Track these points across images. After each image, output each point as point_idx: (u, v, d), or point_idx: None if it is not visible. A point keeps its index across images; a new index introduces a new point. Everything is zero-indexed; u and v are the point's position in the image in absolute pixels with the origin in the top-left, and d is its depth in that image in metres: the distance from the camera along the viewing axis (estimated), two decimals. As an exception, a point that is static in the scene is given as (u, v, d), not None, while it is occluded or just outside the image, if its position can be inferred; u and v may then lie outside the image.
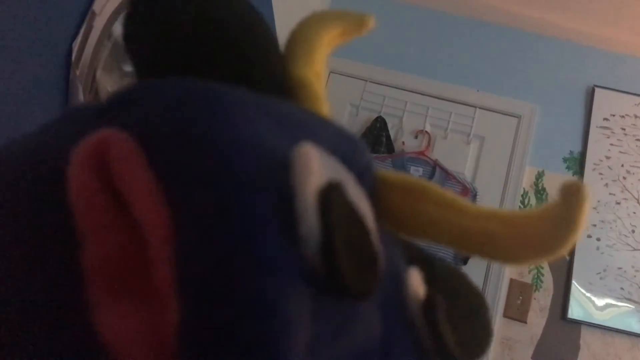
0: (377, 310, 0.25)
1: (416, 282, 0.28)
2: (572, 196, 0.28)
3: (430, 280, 0.31)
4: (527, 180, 2.52)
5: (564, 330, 2.31)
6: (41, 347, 0.19)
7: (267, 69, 0.32)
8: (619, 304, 2.32)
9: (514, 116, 2.61)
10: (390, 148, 2.54)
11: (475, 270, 2.36)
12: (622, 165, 2.50)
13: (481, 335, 0.37)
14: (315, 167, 0.22)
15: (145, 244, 0.20)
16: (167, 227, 0.19)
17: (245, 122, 0.23)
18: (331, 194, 0.21)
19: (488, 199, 2.42)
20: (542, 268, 2.39)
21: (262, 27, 0.33)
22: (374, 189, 0.28)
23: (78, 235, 0.20)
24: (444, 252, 2.32)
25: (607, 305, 2.32)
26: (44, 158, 0.23)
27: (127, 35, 0.31)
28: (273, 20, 1.76)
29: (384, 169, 0.35)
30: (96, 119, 0.24)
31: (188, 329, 0.18)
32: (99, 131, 0.21)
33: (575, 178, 2.50)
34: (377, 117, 2.60)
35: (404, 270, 0.28)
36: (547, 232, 0.28)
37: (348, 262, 0.21)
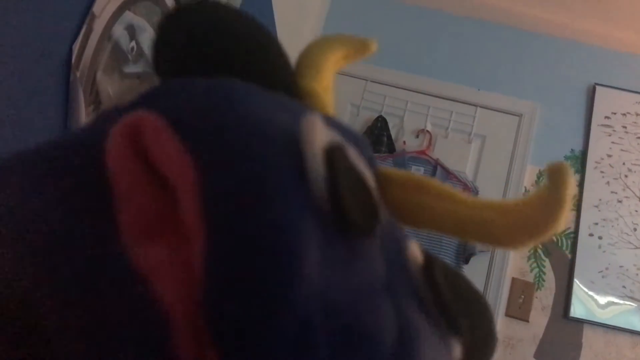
0: (380, 255, 0.27)
1: (415, 248, 0.30)
2: (556, 177, 0.30)
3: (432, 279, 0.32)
4: (528, 179, 2.51)
5: (566, 329, 2.31)
6: (85, 276, 0.23)
7: (279, 81, 0.36)
8: (621, 302, 2.32)
9: (515, 115, 2.61)
10: (391, 147, 2.54)
11: (477, 269, 2.36)
12: (624, 164, 2.50)
13: (486, 340, 0.38)
14: (321, 128, 0.25)
15: (174, 194, 0.23)
16: (192, 173, 0.22)
17: (261, 101, 0.27)
18: (335, 149, 0.25)
19: (489, 197, 2.42)
20: (544, 267, 2.39)
21: (276, 45, 0.38)
22: (378, 182, 0.31)
23: (113, 195, 0.24)
24: (446, 251, 2.32)
25: (609, 304, 2.32)
26: (87, 137, 0.27)
27: (157, 44, 0.34)
28: (273, 18, 1.76)
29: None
30: (129, 110, 0.27)
31: (213, 255, 0.21)
32: (133, 113, 0.25)
33: (576, 177, 2.50)
34: (378, 117, 2.60)
35: (404, 238, 0.30)
36: (538, 215, 0.30)
37: (350, 200, 0.24)
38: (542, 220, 0.29)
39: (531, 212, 0.30)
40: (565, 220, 0.30)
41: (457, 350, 0.28)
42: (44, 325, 0.23)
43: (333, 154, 0.25)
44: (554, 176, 0.30)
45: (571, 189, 0.30)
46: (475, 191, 2.37)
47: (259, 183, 0.22)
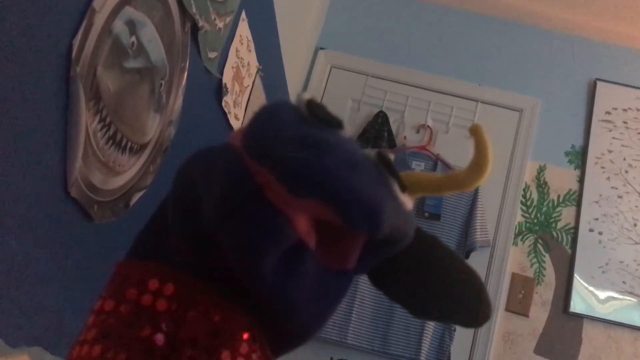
0: (353, 144, 0.49)
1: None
2: (475, 135, 0.51)
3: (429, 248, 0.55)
4: (528, 174, 2.51)
5: (566, 324, 2.31)
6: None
7: None
8: (621, 297, 2.32)
9: (516, 110, 2.61)
10: (392, 143, 2.54)
11: (477, 264, 2.37)
12: (624, 159, 2.50)
13: (474, 303, 0.55)
14: (307, 95, 0.49)
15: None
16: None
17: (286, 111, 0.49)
18: (311, 101, 0.49)
19: (490, 193, 2.42)
20: (544, 262, 2.39)
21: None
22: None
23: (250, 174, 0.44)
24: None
25: (609, 299, 2.32)
26: (225, 147, 0.49)
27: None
28: (276, 26, 1.75)
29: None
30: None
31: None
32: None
33: (577, 172, 2.50)
34: (379, 112, 2.60)
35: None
36: (474, 165, 0.51)
37: (322, 112, 0.49)
38: (478, 165, 0.50)
39: (473, 162, 0.51)
40: (489, 162, 0.50)
41: (398, 191, 0.48)
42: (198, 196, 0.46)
43: (310, 101, 0.49)
44: (475, 138, 0.51)
45: (485, 143, 0.51)
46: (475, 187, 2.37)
47: (281, 124, 0.46)
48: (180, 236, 0.48)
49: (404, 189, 0.48)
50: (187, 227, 0.47)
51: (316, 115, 0.48)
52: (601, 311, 2.31)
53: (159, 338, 0.43)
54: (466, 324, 0.57)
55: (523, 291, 2.34)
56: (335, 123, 0.49)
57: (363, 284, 2.26)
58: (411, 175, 0.51)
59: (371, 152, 0.49)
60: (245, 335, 0.46)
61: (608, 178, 2.47)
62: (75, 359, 0.46)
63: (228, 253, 0.44)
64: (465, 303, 0.55)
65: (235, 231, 0.43)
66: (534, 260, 2.40)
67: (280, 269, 0.44)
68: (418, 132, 2.60)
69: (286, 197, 0.43)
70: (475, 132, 0.51)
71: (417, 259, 0.55)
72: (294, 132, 0.45)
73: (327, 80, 2.70)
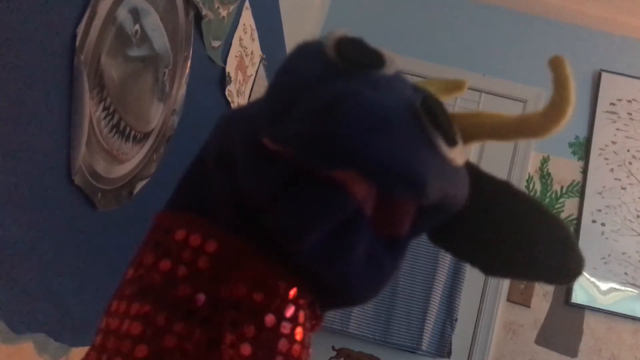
0: (399, 86, 0.42)
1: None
2: (555, 69, 0.44)
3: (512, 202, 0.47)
4: (532, 165, 2.51)
5: (567, 315, 2.32)
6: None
7: None
8: (623, 288, 2.33)
9: (520, 100, 2.60)
10: (395, 133, 2.53)
11: (479, 255, 2.37)
12: (628, 150, 2.49)
13: (564, 257, 0.46)
14: (336, 32, 0.42)
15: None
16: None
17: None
18: (342, 38, 0.42)
19: (493, 184, 2.42)
20: (546, 253, 2.40)
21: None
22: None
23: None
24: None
25: (611, 290, 2.33)
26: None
27: None
28: (279, 15, 1.75)
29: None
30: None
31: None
32: None
33: (580, 163, 2.50)
34: (382, 102, 2.59)
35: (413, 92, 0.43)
36: (555, 105, 0.43)
37: (354, 53, 0.41)
38: (558, 106, 0.42)
39: (552, 101, 0.42)
40: (571, 102, 0.42)
41: (444, 147, 0.39)
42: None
43: (339, 41, 0.41)
44: (554, 70, 0.44)
45: (566, 78, 0.43)
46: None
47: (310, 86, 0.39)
48: (223, 194, 0.44)
49: (453, 141, 0.40)
50: (230, 188, 0.43)
51: (347, 59, 0.40)
52: (603, 302, 2.31)
53: (200, 298, 0.41)
54: (552, 281, 0.49)
55: (525, 282, 2.35)
56: (372, 62, 0.41)
57: (365, 274, 2.27)
58: (471, 116, 0.43)
59: (418, 95, 0.41)
60: (291, 295, 0.42)
61: (611, 169, 2.47)
62: (113, 315, 0.43)
63: (272, 231, 0.40)
64: (548, 259, 0.46)
65: (281, 216, 0.39)
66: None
67: (332, 242, 0.40)
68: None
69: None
70: (556, 64, 0.43)
71: (485, 210, 0.46)
72: (312, 92, 0.37)
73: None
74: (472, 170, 0.46)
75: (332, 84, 0.38)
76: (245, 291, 0.41)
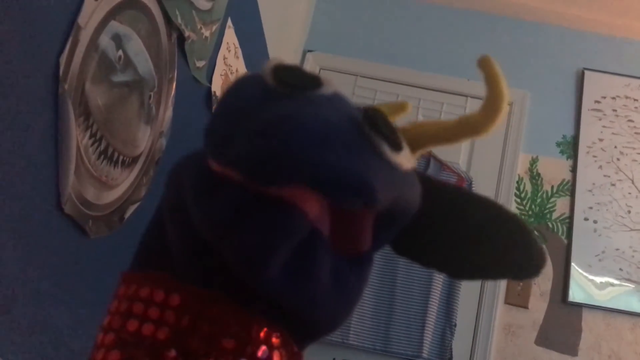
0: (339, 103, 0.43)
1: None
2: (484, 69, 0.44)
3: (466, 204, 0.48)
4: (521, 166, 2.53)
5: (565, 314, 2.32)
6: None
7: None
8: (619, 284, 2.34)
9: (506, 103, 2.62)
10: (384, 142, 2.54)
11: (474, 258, 2.37)
12: (615, 147, 2.51)
13: (523, 253, 0.47)
14: (272, 61, 0.43)
15: None
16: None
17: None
18: (278, 65, 0.42)
19: (483, 187, 2.43)
20: (541, 253, 2.40)
21: None
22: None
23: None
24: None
25: (607, 287, 2.34)
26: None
27: None
28: (262, 31, 1.76)
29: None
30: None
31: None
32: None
33: (569, 162, 2.51)
34: (370, 112, 2.60)
35: (354, 109, 0.43)
36: (489, 103, 0.43)
37: (290, 77, 0.42)
38: (495, 98, 0.43)
39: (487, 99, 0.43)
40: (504, 96, 0.43)
41: (389, 153, 0.40)
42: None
43: (275, 68, 0.42)
44: (484, 71, 0.44)
45: (495, 75, 0.43)
46: (469, 181, 2.38)
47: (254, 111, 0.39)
48: (180, 244, 0.45)
49: (398, 147, 0.41)
50: (184, 234, 0.44)
51: (285, 83, 0.41)
52: (599, 299, 2.32)
53: (170, 355, 0.41)
54: (518, 277, 0.49)
55: (521, 283, 2.35)
56: (309, 84, 0.42)
57: (362, 284, 2.27)
58: (414, 126, 0.45)
59: (357, 110, 0.42)
60: (262, 336, 0.42)
61: (600, 166, 2.49)
62: None
63: (231, 263, 0.40)
64: (511, 257, 0.47)
65: (239, 243, 0.39)
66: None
67: (293, 267, 0.40)
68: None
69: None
70: (484, 64, 0.44)
71: (442, 217, 0.47)
72: (253, 119, 0.38)
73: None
74: (424, 179, 0.47)
75: (273, 106, 0.39)
76: (214, 340, 0.41)
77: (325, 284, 0.42)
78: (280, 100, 0.40)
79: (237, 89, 0.43)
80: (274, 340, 0.43)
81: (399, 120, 0.50)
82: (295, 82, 0.42)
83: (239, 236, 0.38)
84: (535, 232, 0.46)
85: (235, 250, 0.39)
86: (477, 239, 0.47)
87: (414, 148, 0.43)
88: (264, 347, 0.42)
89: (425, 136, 0.44)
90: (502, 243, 0.47)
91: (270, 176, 0.36)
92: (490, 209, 0.49)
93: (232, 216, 0.38)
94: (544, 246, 0.48)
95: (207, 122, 0.43)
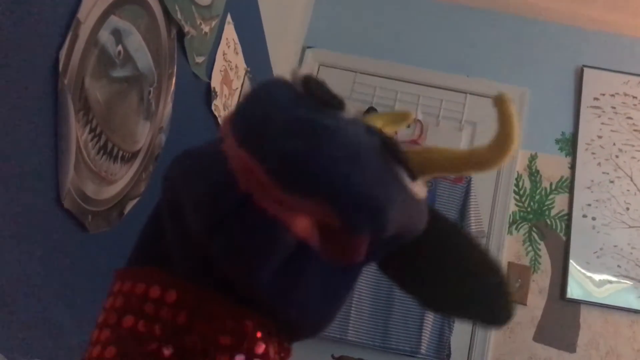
0: (359, 127, 0.44)
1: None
2: (499, 107, 0.46)
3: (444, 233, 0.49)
4: (520, 163, 2.53)
5: (563, 310, 2.33)
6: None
7: None
8: (617, 281, 2.34)
9: (505, 100, 2.62)
10: (383, 138, 2.54)
11: (473, 255, 2.37)
12: (614, 144, 2.51)
13: (492, 298, 0.49)
14: (303, 71, 0.44)
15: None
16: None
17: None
18: (306, 77, 0.44)
19: (482, 184, 2.44)
20: (539, 250, 2.41)
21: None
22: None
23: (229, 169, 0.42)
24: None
25: (605, 283, 2.34)
26: (208, 149, 0.46)
27: None
28: (262, 27, 1.75)
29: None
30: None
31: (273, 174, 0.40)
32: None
33: (568, 159, 2.52)
34: (369, 108, 2.60)
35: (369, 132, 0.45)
36: (501, 138, 0.45)
37: (320, 91, 0.43)
38: (505, 139, 0.45)
39: (497, 138, 0.45)
40: (515, 136, 0.44)
41: (408, 182, 0.42)
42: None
43: (306, 78, 0.44)
44: (497, 107, 0.46)
45: (511, 113, 0.45)
46: (468, 178, 2.38)
47: (276, 111, 0.41)
48: (177, 241, 0.45)
49: (413, 175, 0.42)
50: (182, 233, 0.44)
51: (314, 95, 0.42)
52: (598, 296, 2.33)
53: (166, 352, 0.41)
54: (484, 322, 0.51)
55: (520, 280, 2.36)
56: (335, 103, 0.43)
57: (361, 280, 2.27)
58: (424, 152, 0.46)
59: (376, 136, 0.43)
60: (259, 333, 0.42)
61: (599, 163, 2.49)
62: None
63: (221, 265, 0.41)
64: (482, 301, 0.48)
65: (226, 245, 0.40)
66: (529, 248, 2.42)
67: (282, 276, 0.41)
68: (409, 126, 2.61)
69: (281, 199, 0.39)
70: (499, 102, 0.45)
71: (432, 247, 0.48)
72: (288, 117, 0.39)
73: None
74: (428, 209, 0.48)
75: (307, 111, 0.41)
76: (211, 337, 0.41)
77: (313, 291, 0.43)
78: (311, 108, 0.41)
79: (270, 85, 0.44)
80: (269, 336, 0.43)
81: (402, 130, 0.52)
82: (324, 96, 0.43)
83: (227, 233, 0.39)
84: (512, 287, 0.48)
85: (225, 252, 0.40)
86: (459, 276, 0.49)
87: (421, 173, 0.44)
88: (261, 344, 0.42)
89: (433, 163, 0.45)
90: (481, 286, 0.48)
91: (295, 181, 0.38)
92: (479, 254, 0.50)
93: (227, 215, 0.39)
94: (514, 305, 0.49)
95: (237, 106, 0.43)
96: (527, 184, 2.50)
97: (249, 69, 1.64)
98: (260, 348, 0.42)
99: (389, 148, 0.42)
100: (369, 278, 2.27)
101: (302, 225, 0.41)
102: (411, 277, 0.50)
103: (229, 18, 1.41)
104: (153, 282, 0.44)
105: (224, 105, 1.44)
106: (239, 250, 0.39)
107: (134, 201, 1.00)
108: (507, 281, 0.49)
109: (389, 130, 0.52)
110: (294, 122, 0.39)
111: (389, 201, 0.39)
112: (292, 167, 0.38)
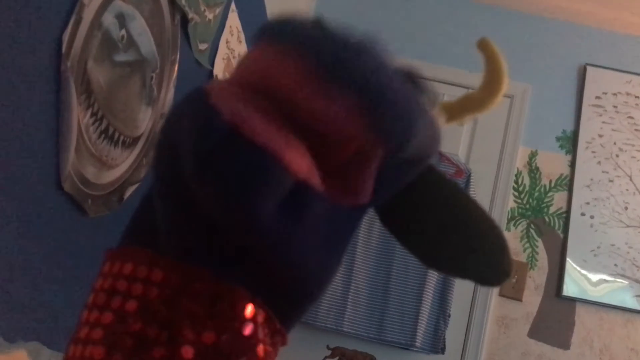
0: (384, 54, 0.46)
1: None
2: (484, 49, 0.48)
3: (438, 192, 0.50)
4: (520, 160, 2.53)
5: (559, 308, 2.34)
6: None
7: None
8: (613, 280, 2.35)
9: (507, 96, 2.61)
10: (383, 131, 2.54)
11: (470, 250, 2.38)
12: (615, 143, 2.51)
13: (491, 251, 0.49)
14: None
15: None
16: None
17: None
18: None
19: (482, 180, 2.44)
20: (537, 247, 2.41)
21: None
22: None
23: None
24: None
25: (602, 282, 2.35)
26: (191, 92, 0.45)
27: None
28: (265, 16, 1.75)
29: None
30: None
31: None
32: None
33: (568, 157, 2.52)
34: (370, 101, 2.60)
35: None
36: (491, 80, 0.48)
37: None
38: (493, 81, 0.48)
39: (487, 77, 0.48)
40: (504, 75, 0.47)
41: (428, 104, 0.44)
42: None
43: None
44: (482, 52, 0.48)
45: (497, 52, 0.48)
46: (468, 173, 2.38)
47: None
48: (166, 216, 0.44)
49: (435, 103, 0.44)
50: (171, 198, 0.43)
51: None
52: (593, 294, 2.33)
53: (151, 331, 0.40)
54: (482, 279, 0.51)
55: (516, 276, 2.36)
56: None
57: (358, 272, 2.27)
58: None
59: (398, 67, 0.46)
60: (247, 314, 0.42)
61: (599, 162, 2.49)
62: (76, 358, 0.43)
63: (216, 209, 0.40)
64: (483, 255, 0.49)
65: (216, 179, 0.38)
66: (527, 245, 2.42)
67: (282, 218, 0.39)
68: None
69: (312, 91, 0.39)
70: (483, 44, 0.47)
71: (435, 199, 0.49)
72: (347, 37, 0.42)
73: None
74: (430, 166, 0.50)
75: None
76: (197, 316, 0.41)
77: (315, 237, 0.42)
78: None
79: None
80: (259, 317, 0.43)
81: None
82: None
83: (220, 173, 0.39)
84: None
85: (219, 189, 0.39)
86: (458, 230, 0.49)
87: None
88: (249, 324, 0.42)
89: (443, 110, 0.49)
90: (479, 240, 0.49)
91: (342, 73, 0.39)
92: (478, 210, 0.51)
93: (217, 145, 0.39)
94: (513, 262, 0.49)
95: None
96: (527, 181, 2.50)
97: (251, 58, 1.63)
98: (248, 329, 0.42)
99: (413, 76, 0.44)
100: (366, 270, 2.28)
101: (302, 164, 0.40)
102: (412, 231, 0.50)
103: (233, 6, 1.40)
104: (140, 262, 0.43)
105: (225, 93, 1.44)
106: (231, 184, 0.38)
107: (134, 186, 1.00)
108: (506, 239, 0.50)
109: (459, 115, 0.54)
110: (354, 41, 0.43)
111: (419, 113, 0.42)
112: (339, 59, 0.39)
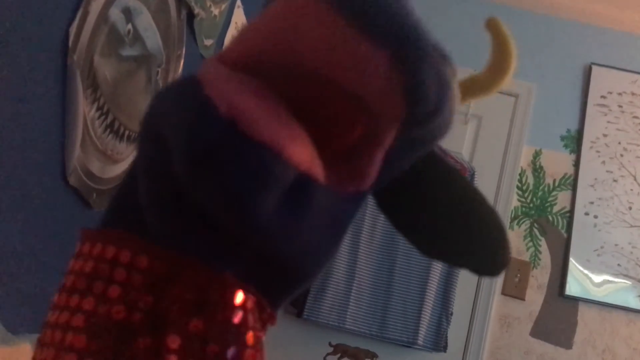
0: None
1: None
2: (492, 29, 0.46)
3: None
4: (524, 159, 2.52)
5: (561, 307, 2.33)
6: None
7: None
8: (616, 280, 2.35)
9: (511, 95, 2.61)
10: (388, 129, 2.53)
11: (473, 249, 2.38)
12: (619, 143, 2.50)
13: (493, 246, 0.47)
14: None
15: None
16: None
17: None
18: None
19: (486, 178, 2.43)
20: (540, 246, 2.41)
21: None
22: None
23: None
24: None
25: (604, 282, 2.34)
26: (182, 80, 0.44)
27: None
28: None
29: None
30: None
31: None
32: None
33: (572, 156, 2.51)
34: (375, 98, 2.60)
35: None
36: (499, 62, 0.47)
37: None
38: (500, 63, 0.46)
39: (495, 59, 0.46)
40: (512, 57, 0.45)
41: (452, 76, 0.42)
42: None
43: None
44: (490, 32, 0.46)
45: (505, 33, 0.45)
46: (471, 172, 2.38)
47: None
48: (150, 199, 0.41)
49: (455, 79, 0.41)
50: (157, 187, 0.41)
51: None
52: (596, 294, 2.33)
53: (136, 319, 0.38)
54: (480, 269, 0.50)
55: (519, 275, 2.36)
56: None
57: (361, 269, 2.27)
58: None
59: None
60: (237, 301, 0.40)
61: (603, 162, 2.48)
62: (55, 345, 0.40)
63: (212, 208, 0.37)
64: (482, 244, 0.47)
65: (213, 180, 0.36)
66: (530, 244, 2.42)
67: (283, 211, 0.37)
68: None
69: (350, 37, 0.37)
70: (492, 25, 0.46)
71: (435, 185, 0.48)
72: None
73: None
74: (434, 152, 0.49)
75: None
76: (183, 304, 0.39)
77: (315, 231, 0.40)
78: None
79: None
80: (248, 303, 0.41)
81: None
82: None
83: (216, 174, 0.36)
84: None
85: (214, 190, 0.36)
86: (457, 218, 0.48)
87: None
88: (239, 312, 0.40)
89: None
90: (477, 229, 0.48)
91: (380, 25, 0.38)
92: (478, 197, 0.49)
93: (215, 152, 0.36)
94: (511, 253, 0.47)
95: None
96: (531, 180, 2.50)
97: (256, 54, 1.64)
98: (237, 317, 0.40)
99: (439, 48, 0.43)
100: (369, 267, 2.28)
101: (304, 156, 0.38)
102: (411, 218, 0.48)
103: (238, 2, 1.40)
104: (123, 246, 0.41)
105: (230, 89, 1.44)
106: (230, 185, 0.35)
107: (139, 181, 1.00)
108: (506, 229, 0.49)
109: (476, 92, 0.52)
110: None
111: (452, 79, 0.40)
112: (377, 9, 0.38)
